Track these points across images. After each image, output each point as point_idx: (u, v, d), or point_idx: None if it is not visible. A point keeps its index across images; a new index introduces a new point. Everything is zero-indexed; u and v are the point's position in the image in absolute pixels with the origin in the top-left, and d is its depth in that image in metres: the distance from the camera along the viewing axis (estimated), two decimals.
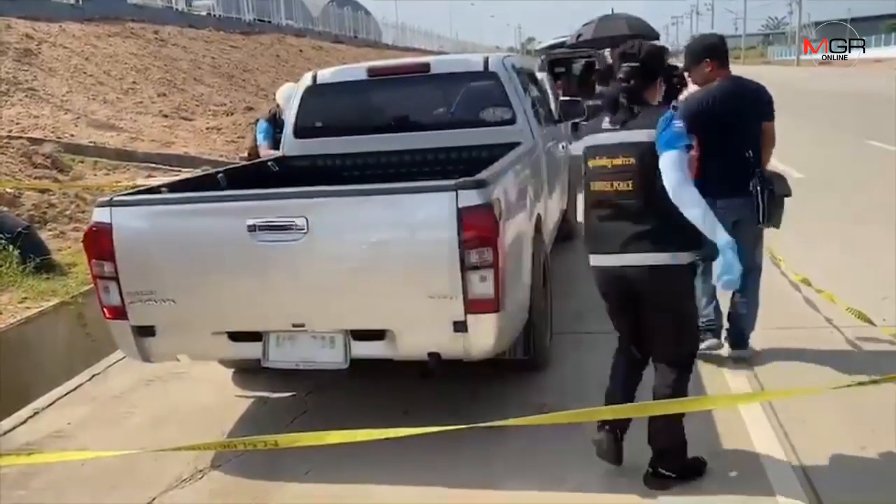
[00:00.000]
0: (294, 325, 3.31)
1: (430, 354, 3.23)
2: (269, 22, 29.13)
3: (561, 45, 14.72)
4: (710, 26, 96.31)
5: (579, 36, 12.19)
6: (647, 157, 2.70)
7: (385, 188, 3.36)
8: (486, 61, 4.94)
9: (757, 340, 4.13)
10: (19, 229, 5.66)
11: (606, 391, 3.05)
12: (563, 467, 3.15)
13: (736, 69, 3.98)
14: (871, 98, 21.31)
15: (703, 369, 3.91)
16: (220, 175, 4.41)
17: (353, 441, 2.60)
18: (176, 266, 3.32)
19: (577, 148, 3.15)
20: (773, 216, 3.72)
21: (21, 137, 9.29)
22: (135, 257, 3.30)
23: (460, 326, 3.08)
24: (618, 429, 2.97)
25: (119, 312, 3.35)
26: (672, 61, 3.18)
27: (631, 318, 2.98)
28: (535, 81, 6.15)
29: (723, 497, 2.86)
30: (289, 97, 5.63)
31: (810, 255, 5.48)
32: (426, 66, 5.03)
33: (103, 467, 3.42)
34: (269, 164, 5.15)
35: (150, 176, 9.48)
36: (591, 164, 2.90)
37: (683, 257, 2.76)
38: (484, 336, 3.13)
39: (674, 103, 2.97)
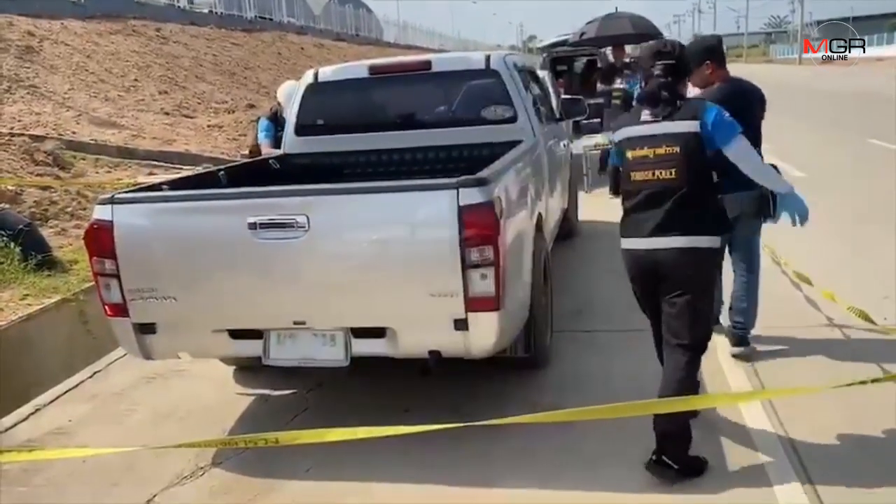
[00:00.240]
0: (295, 323, 3.31)
1: (430, 352, 3.23)
2: (271, 19, 29.08)
3: (563, 43, 14.66)
4: (712, 24, 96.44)
5: (583, 34, 12.14)
6: (692, 145, 2.89)
7: (386, 186, 3.36)
8: (487, 59, 4.94)
9: (757, 339, 4.13)
10: (21, 226, 5.66)
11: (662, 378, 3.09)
12: (563, 466, 3.15)
13: (739, 67, 4.01)
14: (872, 97, 21.26)
15: (703, 368, 3.90)
16: (221, 173, 4.42)
17: (354, 439, 2.61)
18: (177, 263, 3.32)
19: (579, 146, 3.25)
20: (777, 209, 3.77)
21: (23, 135, 9.27)
22: (136, 255, 3.30)
23: (461, 324, 3.08)
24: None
25: (120, 310, 3.36)
26: None
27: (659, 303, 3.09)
28: (536, 79, 6.14)
29: (722, 495, 2.87)
30: (290, 95, 5.62)
31: (811, 254, 5.47)
32: (427, 64, 5.03)
33: (104, 464, 3.43)
34: (271, 161, 5.15)
35: (151, 173, 9.48)
36: (630, 154, 3.02)
37: (716, 241, 2.98)
38: (484, 334, 3.13)
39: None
